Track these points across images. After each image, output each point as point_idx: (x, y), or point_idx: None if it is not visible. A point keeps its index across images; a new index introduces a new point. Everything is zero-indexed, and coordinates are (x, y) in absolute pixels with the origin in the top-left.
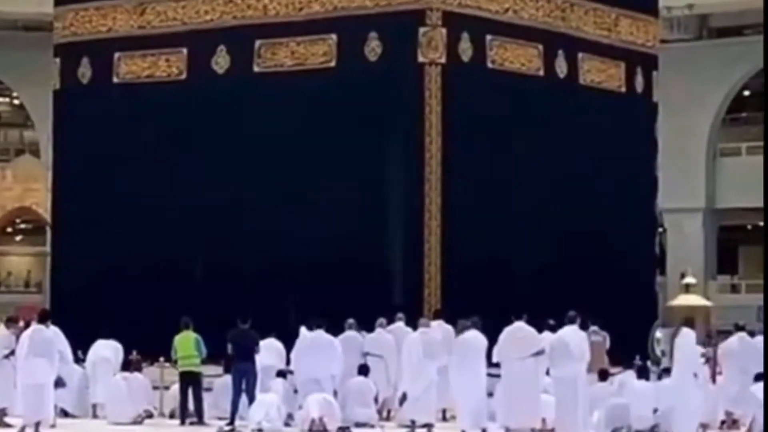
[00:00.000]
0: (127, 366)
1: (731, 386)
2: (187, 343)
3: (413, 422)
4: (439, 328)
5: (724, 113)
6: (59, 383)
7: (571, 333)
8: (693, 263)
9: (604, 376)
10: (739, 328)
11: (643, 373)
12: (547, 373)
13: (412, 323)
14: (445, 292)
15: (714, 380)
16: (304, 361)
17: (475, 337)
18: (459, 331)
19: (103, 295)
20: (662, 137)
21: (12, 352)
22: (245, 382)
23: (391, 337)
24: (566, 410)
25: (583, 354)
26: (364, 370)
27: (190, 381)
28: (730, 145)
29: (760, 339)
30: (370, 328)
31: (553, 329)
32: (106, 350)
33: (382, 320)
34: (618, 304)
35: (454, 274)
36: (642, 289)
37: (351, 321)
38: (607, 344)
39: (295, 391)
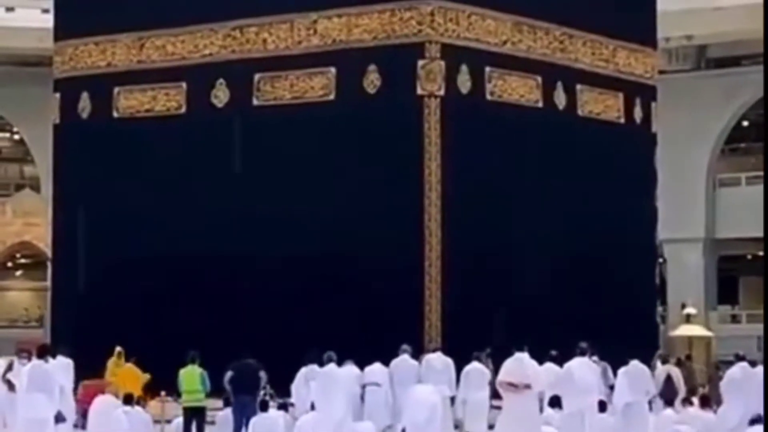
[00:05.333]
0: (129, 400)
1: (733, 416)
2: (192, 377)
3: None
4: (438, 359)
5: (723, 143)
6: (59, 418)
7: (578, 365)
8: (693, 294)
9: (603, 407)
10: (740, 358)
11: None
12: (552, 404)
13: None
14: (445, 323)
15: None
16: (305, 394)
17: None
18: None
19: (103, 330)
20: (661, 168)
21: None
22: (246, 416)
23: (388, 369)
24: None
25: (591, 387)
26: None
27: (195, 416)
28: (730, 176)
29: (761, 369)
30: (369, 361)
31: (555, 360)
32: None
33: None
34: (619, 334)
35: (455, 305)
36: (643, 319)
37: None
38: (612, 376)
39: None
